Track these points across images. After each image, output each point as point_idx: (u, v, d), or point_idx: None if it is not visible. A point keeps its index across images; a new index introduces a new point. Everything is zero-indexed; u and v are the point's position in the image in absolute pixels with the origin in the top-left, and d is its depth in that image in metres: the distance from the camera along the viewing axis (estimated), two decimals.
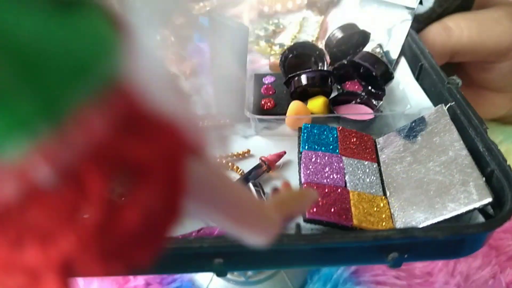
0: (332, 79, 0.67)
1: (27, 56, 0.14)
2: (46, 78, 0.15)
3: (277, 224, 0.34)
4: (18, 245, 0.17)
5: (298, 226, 0.51)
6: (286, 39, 0.84)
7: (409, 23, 0.74)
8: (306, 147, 0.59)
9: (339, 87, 0.70)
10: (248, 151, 0.63)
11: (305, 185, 0.54)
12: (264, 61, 0.79)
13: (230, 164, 0.61)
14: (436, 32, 0.79)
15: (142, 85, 0.19)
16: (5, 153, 0.15)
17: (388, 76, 0.63)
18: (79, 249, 0.17)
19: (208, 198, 0.26)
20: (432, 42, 0.78)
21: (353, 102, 0.68)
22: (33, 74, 0.14)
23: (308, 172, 0.56)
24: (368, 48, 0.74)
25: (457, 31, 0.79)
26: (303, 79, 0.66)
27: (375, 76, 0.64)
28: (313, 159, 0.58)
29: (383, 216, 0.53)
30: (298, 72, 0.66)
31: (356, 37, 0.72)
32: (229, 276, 0.67)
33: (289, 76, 0.67)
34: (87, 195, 0.17)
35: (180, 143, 0.20)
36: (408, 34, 0.75)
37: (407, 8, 0.75)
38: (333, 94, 0.69)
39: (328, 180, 0.55)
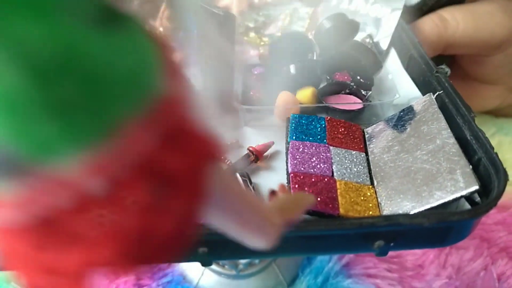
0: (321, 69, 0.66)
1: (89, 72, 0.16)
2: (102, 93, 0.16)
3: (278, 228, 0.35)
4: (51, 247, 0.19)
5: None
6: (276, 30, 0.83)
7: (399, 13, 0.74)
8: (294, 137, 0.59)
9: (328, 77, 0.70)
10: (237, 141, 0.62)
11: (292, 174, 0.54)
12: (254, 52, 0.79)
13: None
14: (432, 24, 0.78)
15: (182, 100, 0.20)
16: (61, 163, 0.16)
17: (376, 65, 0.63)
18: (118, 256, 0.19)
19: (221, 204, 0.27)
20: (427, 34, 0.77)
21: (342, 92, 0.68)
22: (92, 90, 0.16)
23: (295, 162, 0.55)
24: (357, 38, 0.74)
25: (453, 23, 0.78)
26: (292, 69, 0.65)
27: (363, 65, 0.64)
28: (300, 149, 0.57)
29: (370, 205, 0.52)
30: (288, 64, 0.65)
31: (345, 27, 0.72)
32: (220, 269, 0.67)
33: (278, 67, 0.66)
34: (132, 205, 0.18)
35: (207, 153, 0.22)
36: (398, 24, 0.74)
37: None
38: (322, 85, 0.69)
39: (315, 169, 0.55)
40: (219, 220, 0.30)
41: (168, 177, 0.19)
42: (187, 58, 0.77)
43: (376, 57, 0.63)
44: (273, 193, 0.47)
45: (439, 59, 0.76)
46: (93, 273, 0.20)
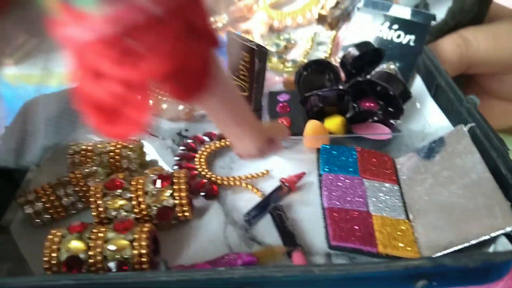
0: (349, 97, 0.67)
1: None
2: None
3: (263, 140, 0.46)
4: (125, 58, 0.27)
5: (328, 255, 0.51)
6: (299, 55, 0.83)
7: (423, 40, 0.75)
8: (327, 169, 0.59)
9: (354, 105, 0.70)
10: (267, 171, 0.62)
11: (327, 210, 0.54)
12: (278, 78, 0.79)
13: (250, 186, 0.60)
14: (454, 44, 0.79)
15: None
16: None
17: (406, 95, 0.63)
18: (164, 72, 0.28)
19: (222, 98, 0.37)
20: (449, 54, 0.77)
21: (370, 120, 0.68)
22: None
23: (330, 196, 0.55)
24: (381, 64, 0.74)
25: (475, 43, 0.79)
26: (320, 98, 0.65)
27: (393, 95, 0.64)
28: (334, 183, 0.57)
29: (407, 240, 0.52)
30: (314, 92, 0.66)
31: (370, 54, 0.72)
32: None
33: (306, 95, 0.66)
34: (179, 32, 0.28)
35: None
36: (423, 51, 0.75)
37: (420, 25, 0.75)
38: (350, 112, 0.69)
39: (350, 204, 0.55)
40: (219, 113, 0.40)
41: (196, 28, 0.29)
42: None
43: (405, 86, 0.63)
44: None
45: (456, 76, 0.76)
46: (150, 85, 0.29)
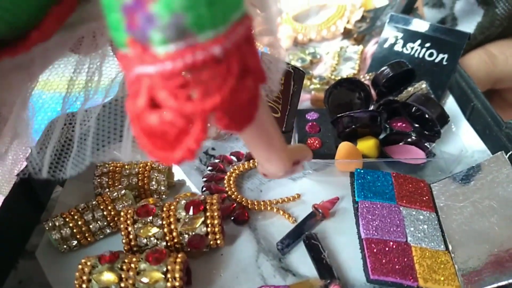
0: (382, 118, 0.65)
1: None
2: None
3: (289, 162, 0.48)
4: (190, 91, 0.29)
5: None
6: (325, 71, 0.82)
7: (457, 59, 0.73)
8: (363, 196, 0.57)
9: (386, 125, 0.68)
10: (298, 195, 0.61)
11: (365, 241, 0.52)
12: (305, 95, 0.77)
13: (281, 211, 0.58)
14: (480, 60, 0.77)
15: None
16: (203, 35, 0.28)
17: (443, 119, 0.61)
18: (219, 105, 0.30)
19: (259, 125, 0.40)
20: (475, 70, 0.76)
21: (403, 141, 0.66)
22: None
23: (368, 226, 0.53)
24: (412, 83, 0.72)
25: (502, 58, 0.77)
26: (353, 119, 0.63)
27: (430, 118, 0.62)
28: (370, 211, 0.55)
29: (448, 273, 0.50)
30: (347, 112, 0.64)
31: (402, 73, 0.70)
32: None
33: (337, 116, 0.64)
34: (234, 70, 0.30)
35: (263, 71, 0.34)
36: (456, 70, 0.73)
37: (454, 44, 0.73)
38: (382, 134, 0.67)
39: (389, 234, 0.53)
40: (253, 138, 0.42)
41: (249, 66, 0.31)
42: None
43: (443, 110, 0.61)
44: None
45: None
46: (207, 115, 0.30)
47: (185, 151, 0.32)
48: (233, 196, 0.60)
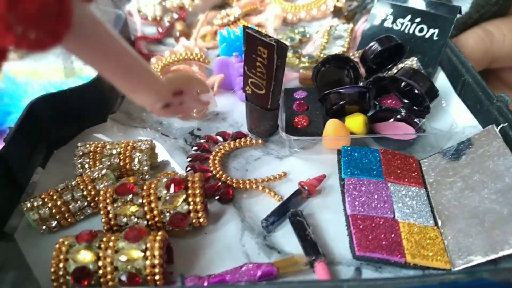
0: (370, 95, 0.63)
1: None
2: None
3: (165, 92, 0.43)
4: None
5: (358, 269, 0.48)
6: (315, 50, 0.80)
7: (447, 34, 0.71)
8: (349, 173, 0.56)
9: (376, 102, 0.67)
10: (284, 174, 0.59)
11: (351, 217, 0.51)
12: (294, 73, 0.75)
13: (267, 189, 0.57)
14: (477, 38, 0.75)
15: None
16: None
17: (433, 93, 0.59)
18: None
19: (94, 42, 0.35)
20: (472, 49, 0.74)
21: (393, 118, 0.65)
22: None
23: (354, 202, 0.52)
24: (403, 60, 0.71)
25: (499, 36, 0.75)
26: (341, 96, 0.62)
27: (419, 93, 0.60)
28: (357, 187, 0.54)
29: (437, 249, 0.49)
30: (335, 89, 0.62)
31: (391, 49, 0.68)
32: None
33: (325, 92, 0.63)
34: None
35: None
36: (447, 45, 0.71)
37: (445, 18, 0.71)
38: (371, 110, 0.65)
39: (376, 210, 0.51)
40: (98, 61, 0.37)
41: None
42: (229, 83, 0.74)
43: (432, 84, 0.59)
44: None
45: None
46: None
47: None
48: (217, 175, 0.59)
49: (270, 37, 0.53)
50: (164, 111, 0.46)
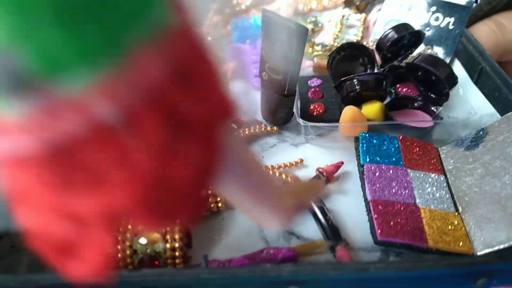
0: (387, 82, 0.62)
1: None
2: (110, 14, 0.15)
3: (292, 210, 0.36)
4: (69, 187, 0.17)
5: (373, 250, 0.47)
6: (328, 39, 0.79)
7: (463, 23, 0.70)
8: (368, 159, 0.55)
9: (392, 90, 0.66)
10: (301, 160, 0.58)
11: (371, 203, 0.50)
12: (307, 62, 0.75)
13: (283, 175, 0.56)
14: (489, 30, 0.75)
15: (190, 34, 0.19)
16: (72, 83, 0.15)
17: (452, 80, 0.59)
18: (132, 202, 0.17)
19: (237, 170, 0.27)
20: (483, 41, 0.73)
21: (409, 106, 0.64)
22: (101, 7, 0.15)
23: (374, 188, 0.51)
24: (418, 49, 0.70)
25: (510, 28, 0.75)
26: (357, 83, 0.61)
27: (436, 80, 0.60)
28: (377, 173, 0.53)
29: (459, 234, 0.48)
30: (351, 76, 0.61)
31: (407, 38, 0.68)
32: None
33: (341, 79, 0.62)
34: (145, 138, 0.17)
35: (222, 105, 0.21)
36: (463, 34, 0.70)
37: (461, 6, 0.70)
38: (388, 98, 0.65)
39: (396, 196, 0.51)
40: (234, 190, 0.29)
41: (182, 120, 0.18)
42: (242, 70, 0.73)
43: (452, 70, 0.59)
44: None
45: None
46: (114, 221, 0.19)
47: (89, 263, 0.21)
48: None
49: (289, 19, 0.52)
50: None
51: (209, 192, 0.50)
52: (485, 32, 0.76)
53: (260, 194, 0.31)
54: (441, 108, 0.62)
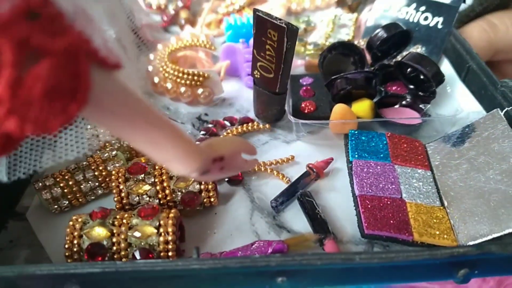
0: (377, 80, 0.64)
1: None
2: None
3: (202, 161, 0.38)
4: None
5: (360, 243, 0.48)
6: (320, 38, 0.80)
7: (452, 22, 0.72)
8: (356, 155, 0.56)
9: (382, 88, 0.67)
10: (292, 157, 0.60)
11: (359, 198, 0.52)
12: (299, 61, 0.76)
13: (275, 171, 0.58)
14: (481, 30, 0.76)
15: None
16: None
17: (439, 78, 0.60)
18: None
19: (118, 113, 0.31)
20: (476, 40, 0.75)
21: (398, 104, 0.66)
22: None
23: (362, 183, 0.53)
24: (407, 48, 0.72)
25: (503, 28, 0.76)
26: (347, 81, 0.63)
27: (424, 78, 0.61)
28: (365, 169, 0.55)
29: (443, 228, 0.50)
30: (341, 74, 0.63)
31: (397, 36, 0.69)
32: None
33: (332, 78, 0.64)
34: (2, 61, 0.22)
35: (84, 47, 0.26)
36: (451, 33, 0.72)
37: (449, 6, 0.72)
38: (377, 96, 0.66)
39: (383, 191, 0.52)
40: (125, 131, 0.33)
41: (37, 48, 0.23)
42: (235, 69, 0.74)
43: (439, 68, 0.60)
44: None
45: None
46: None
47: None
48: None
49: (280, 19, 0.54)
50: (202, 178, 0.42)
51: (203, 187, 0.51)
52: (477, 32, 0.77)
53: (148, 136, 0.34)
54: (429, 105, 0.63)
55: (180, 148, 0.36)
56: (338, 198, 0.55)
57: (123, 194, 0.50)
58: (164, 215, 0.47)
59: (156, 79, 0.70)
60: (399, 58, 0.71)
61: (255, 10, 0.55)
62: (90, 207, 0.55)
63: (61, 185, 0.53)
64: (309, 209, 0.52)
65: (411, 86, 0.65)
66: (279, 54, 0.56)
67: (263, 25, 0.54)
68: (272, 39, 0.55)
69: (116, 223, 0.46)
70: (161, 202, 0.51)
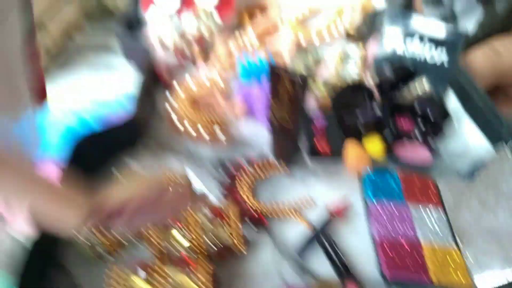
0: (384, 115, 0.68)
1: None
2: None
3: (85, 212, 0.39)
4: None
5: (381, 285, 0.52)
6: (329, 74, 0.84)
7: (457, 57, 0.75)
8: (372, 196, 0.60)
9: (390, 122, 0.71)
10: (311, 199, 0.63)
11: (378, 241, 0.55)
12: (311, 100, 0.79)
13: (296, 216, 0.61)
14: (485, 55, 0.79)
15: None
16: None
17: (445, 116, 0.65)
18: None
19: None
20: (480, 66, 0.78)
21: (407, 139, 0.69)
22: None
23: (379, 227, 0.56)
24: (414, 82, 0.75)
25: (507, 53, 0.79)
26: (360, 125, 0.67)
27: (432, 119, 0.65)
28: (381, 212, 0.58)
29: (459, 268, 0.53)
30: (352, 111, 0.67)
31: (404, 73, 0.73)
32: None
33: (343, 117, 0.68)
34: None
35: None
36: (455, 68, 0.75)
37: (453, 40, 0.75)
38: (386, 130, 0.70)
39: (399, 232, 0.56)
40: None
41: None
42: (252, 110, 0.78)
43: (445, 109, 0.64)
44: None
45: None
46: None
47: None
48: (249, 202, 0.63)
49: (292, 73, 0.57)
50: (102, 226, 0.42)
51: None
52: (481, 57, 0.80)
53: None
54: (437, 141, 0.67)
55: (54, 204, 0.39)
56: (356, 241, 0.58)
57: (159, 246, 0.54)
58: (202, 269, 0.50)
59: (176, 121, 0.74)
60: (406, 92, 0.74)
61: (270, 65, 0.58)
62: (125, 253, 0.57)
63: (99, 235, 0.56)
64: (331, 253, 0.55)
65: (419, 121, 0.68)
66: (295, 102, 0.59)
67: (279, 78, 0.58)
68: (287, 89, 0.59)
69: (156, 276, 0.50)
70: (196, 251, 0.54)
